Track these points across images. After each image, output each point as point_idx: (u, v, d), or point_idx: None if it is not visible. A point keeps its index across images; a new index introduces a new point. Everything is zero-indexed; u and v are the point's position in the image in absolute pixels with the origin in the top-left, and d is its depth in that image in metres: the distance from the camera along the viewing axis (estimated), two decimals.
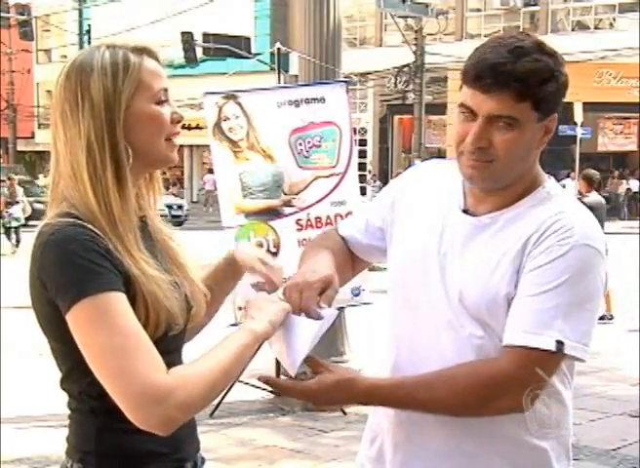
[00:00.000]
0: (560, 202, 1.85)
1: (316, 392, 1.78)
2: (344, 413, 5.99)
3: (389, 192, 2.08)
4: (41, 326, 1.70)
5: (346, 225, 2.14)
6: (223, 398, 5.88)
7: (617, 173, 29.16)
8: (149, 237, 1.79)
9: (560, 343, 1.72)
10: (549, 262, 1.75)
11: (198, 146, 35.21)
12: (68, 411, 1.77)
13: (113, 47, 1.71)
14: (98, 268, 1.57)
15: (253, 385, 6.27)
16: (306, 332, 1.79)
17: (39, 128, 44.19)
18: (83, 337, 1.58)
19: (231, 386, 5.99)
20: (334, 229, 2.16)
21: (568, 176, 24.70)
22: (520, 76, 1.72)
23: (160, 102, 1.73)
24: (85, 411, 1.71)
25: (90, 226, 1.62)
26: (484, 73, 1.74)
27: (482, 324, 1.81)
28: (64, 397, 1.78)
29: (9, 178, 19.34)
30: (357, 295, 6.09)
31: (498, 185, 1.84)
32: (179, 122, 1.75)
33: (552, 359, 1.75)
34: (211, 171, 34.47)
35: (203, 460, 1.90)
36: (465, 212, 1.90)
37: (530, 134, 1.79)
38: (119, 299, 1.58)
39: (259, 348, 1.74)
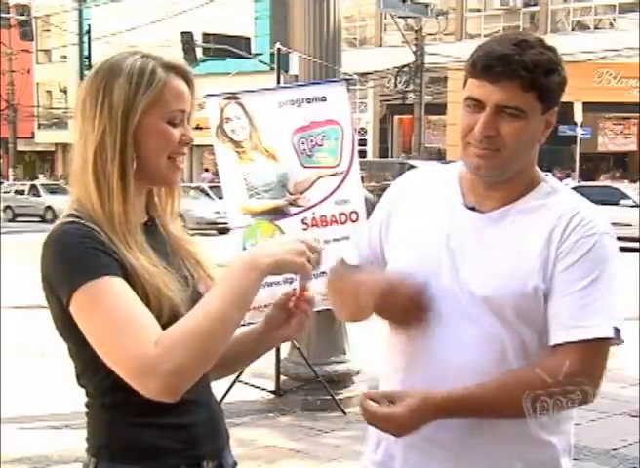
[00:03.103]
0: (568, 196, 1.92)
1: (406, 415, 1.77)
2: (344, 413, 5.99)
3: (382, 211, 2.05)
4: (56, 327, 1.74)
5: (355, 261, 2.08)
6: (223, 398, 5.88)
7: (617, 173, 29.17)
8: (158, 238, 1.82)
9: (617, 329, 1.80)
10: (582, 257, 1.82)
11: (198, 146, 35.21)
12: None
13: (147, 57, 1.75)
14: (88, 257, 1.63)
15: (253, 385, 6.28)
16: None
17: (39, 128, 44.25)
18: (82, 325, 1.64)
19: (231, 386, 5.99)
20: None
21: (568, 177, 24.69)
22: (527, 66, 1.79)
23: (173, 122, 1.75)
24: (97, 407, 1.76)
25: (87, 223, 1.68)
26: (493, 63, 1.80)
27: (501, 317, 1.84)
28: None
29: None
30: None
31: (503, 177, 1.88)
32: (186, 144, 1.78)
33: (608, 345, 1.82)
34: (207, 170, 34.52)
35: (235, 464, 1.90)
36: (472, 209, 1.92)
37: (534, 125, 1.85)
38: (109, 282, 1.62)
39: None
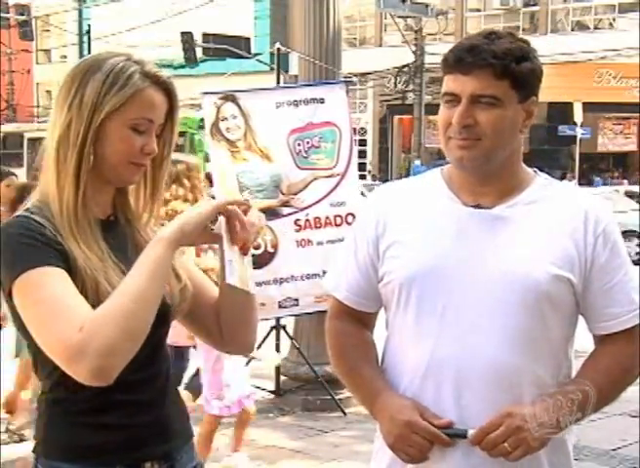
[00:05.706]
0: (566, 188, 2.01)
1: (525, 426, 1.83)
2: (344, 413, 5.99)
3: (367, 229, 2.04)
4: (12, 320, 1.74)
5: (348, 297, 2.08)
6: None
7: (617, 173, 29.18)
8: (118, 234, 1.81)
9: None
10: (610, 252, 1.91)
11: None
12: None
13: (133, 61, 1.75)
14: (27, 248, 1.65)
15: (253, 385, 6.28)
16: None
17: None
18: (22, 315, 1.65)
19: None
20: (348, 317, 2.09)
21: (565, 177, 24.66)
22: (497, 54, 1.83)
23: (137, 130, 1.74)
24: (42, 402, 1.77)
25: (36, 217, 1.69)
26: (464, 55, 1.85)
27: (528, 304, 1.86)
28: None
29: None
30: None
31: (487, 166, 1.90)
32: (148, 154, 1.76)
33: None
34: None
35: (197, 466, 1.88)
36: (475, 206, 1.93)
37: (512, 113, 1.88)
38: (45, 272, 1.63)
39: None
